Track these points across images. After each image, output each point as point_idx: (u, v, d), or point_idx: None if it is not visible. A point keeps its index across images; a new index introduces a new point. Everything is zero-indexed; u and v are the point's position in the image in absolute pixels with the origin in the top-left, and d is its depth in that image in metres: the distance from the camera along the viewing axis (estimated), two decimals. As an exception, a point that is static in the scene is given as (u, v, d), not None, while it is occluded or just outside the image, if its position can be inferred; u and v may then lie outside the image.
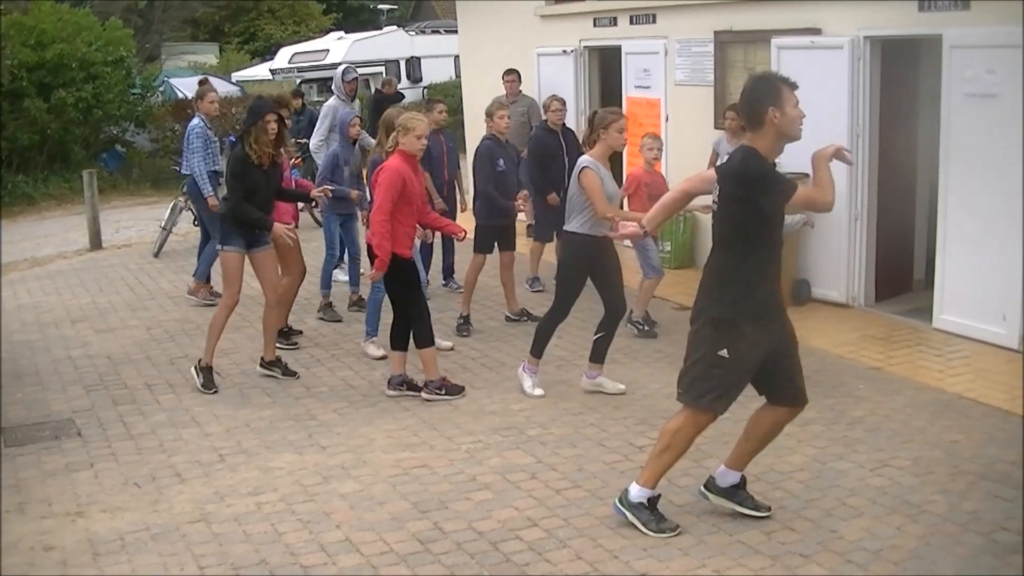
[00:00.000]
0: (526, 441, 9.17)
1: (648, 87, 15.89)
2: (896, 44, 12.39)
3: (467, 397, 10.17)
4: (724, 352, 6.98)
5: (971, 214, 11.08)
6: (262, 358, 11.16)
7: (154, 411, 10.22)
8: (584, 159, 9.86)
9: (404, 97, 23.85)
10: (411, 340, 10.28)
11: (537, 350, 10.40)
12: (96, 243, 19.04)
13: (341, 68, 15.66)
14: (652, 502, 7.39)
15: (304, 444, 9.29)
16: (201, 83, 14.73)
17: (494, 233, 12.67)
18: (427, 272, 13.51)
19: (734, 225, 6.99)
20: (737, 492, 7.58)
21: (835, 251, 12.90)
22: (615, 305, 10.14)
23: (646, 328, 12.11)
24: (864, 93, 12.39)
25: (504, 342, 12.03)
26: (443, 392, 10.21)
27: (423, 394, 10.22)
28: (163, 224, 17.97)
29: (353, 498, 8.17)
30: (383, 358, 11.28)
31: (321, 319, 13.19)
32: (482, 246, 12.66)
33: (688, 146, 14.73)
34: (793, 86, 6.95)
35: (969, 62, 10.96)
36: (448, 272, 14.73)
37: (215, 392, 10.61)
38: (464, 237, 11.01)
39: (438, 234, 11.50)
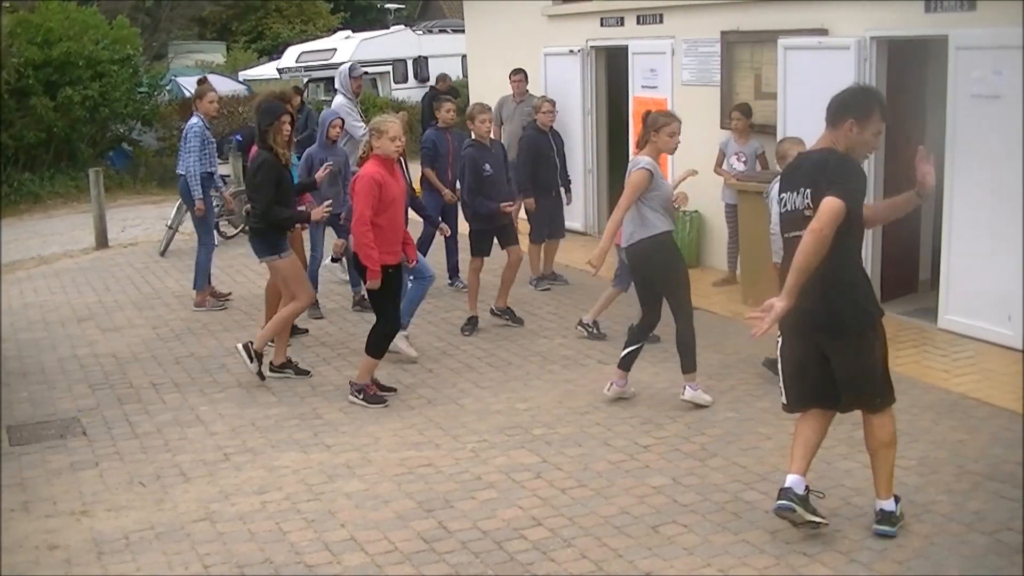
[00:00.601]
0: (531, 440, 9.17)
1: (655, 87, 15.88)
2: (903, 45, 12.38)
3: (472, 396, 10.15)
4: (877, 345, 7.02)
5: (977, 215, 11.07)
6: (271, 362, 11.09)
7: (159, 410, 10.23)
8: (641, 158, 9.67)
9: (459, 94, 23.62)
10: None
11: (693, 364, 9.84)
12: (102, 242, 19.04)
13: (347, 66, 15.54)
14: (899, 504, 7.30)
15: (309, 443, 9.29)
16: (200, 82, 14.49)
17: (488, 235, 12.60)
18: (425, 254, 13.42)
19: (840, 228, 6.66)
20: (809, 500, 7.26)
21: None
22: (655, 315, 9.97)
23: (594, 332, 12.04)
24: (871, 93, 12.37)
25: (511, 341, 12.02)
26: (360, 397, 10.17)
27: (350, 396, 10.26)
28: (169, 223, 17.98)
29: (358, 497, 8.17)
30: (414, 361, 11.44)
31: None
32: (477, 250, 12.60)
33: (694, 146, 14.68)
34: (887, 116, 6.96)
35: (975, 63, 10.95)
36: (453, 271, 14.71)
37: (310, 374, 11.07)
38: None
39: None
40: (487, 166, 12.40)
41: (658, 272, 9.72)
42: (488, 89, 17.93)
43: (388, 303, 10.16)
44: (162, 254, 17.71)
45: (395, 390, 10.40)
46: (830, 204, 6.55)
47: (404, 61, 35.42)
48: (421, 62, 35.61)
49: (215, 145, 14.29)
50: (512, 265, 12.62)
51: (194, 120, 13.83)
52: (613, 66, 17.30)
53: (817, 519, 7.11)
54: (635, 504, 7.89)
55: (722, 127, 14.24)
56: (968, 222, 11.20)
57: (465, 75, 24.51)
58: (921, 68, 12.94)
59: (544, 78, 17.84)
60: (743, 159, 13.52)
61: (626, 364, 9.98)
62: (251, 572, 7.08)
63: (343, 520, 7.79)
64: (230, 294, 14.48)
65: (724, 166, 13.75)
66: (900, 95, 12.51)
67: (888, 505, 7.16)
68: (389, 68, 34.87)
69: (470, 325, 12.56)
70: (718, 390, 9.35)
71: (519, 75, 16.75)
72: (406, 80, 35.18)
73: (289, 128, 10.75)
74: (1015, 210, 10.67)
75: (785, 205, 7.09)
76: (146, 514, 8.01)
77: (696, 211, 14.91)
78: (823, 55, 12.71)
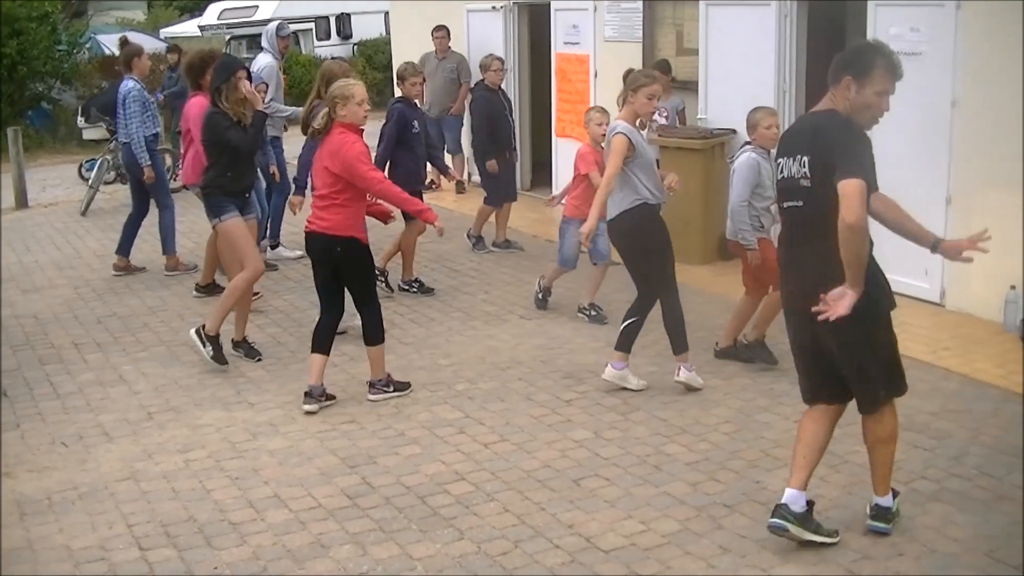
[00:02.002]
0: (454, 396, 9.22)
1: (577, 43, 15.90)
2: (823, 3, 12.48)
3: (395, 353, 10.10)
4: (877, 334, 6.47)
5: (894, 169, 11.14)
6: (232, 339, 10.38)
7: (81, 370, 10.17)
8: (618, 123, 9.07)
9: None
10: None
11: (685, 345, 9.18)
12: (22, 202, 18.84)
13: (274, 24, 14.89)
14: (895, 498, 6.81)
15: (233, 401, 9.29)
16: (124, 42, 13.96)
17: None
18: None
19: (832, 202, 6.08)
20: (811, 518, 6.68)
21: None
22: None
23: (594, 314, 11.15)
24: (791, 51, 12.47)
25: (433, 297, 12.05)
26: (391, 389, 9.23)
27: (369, 396, 9.19)
28: (90, 182, 17.82)
29: (282, 454, 8.19)
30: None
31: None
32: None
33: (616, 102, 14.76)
34: (895, 73, 6.29)
35: (894, 20, 11.06)
36: None
37: (260, 359, 10.25)
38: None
39: None
40: (415, 123, 12.09)
41: (639, 245, 9.11)
42: (412, 46, 17.86)
43: (369, 277, 9.35)
44: (83, 214, 17.53)
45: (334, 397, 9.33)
46: (851, 188, 5.98)
47: (327, 18, 35.14)
48: (344, 19, 35.36)
49: (155, 105, 13.85)
50: (412, 231, 12.13)
51: (130, 84, 13.17)
52: (536, 22, 17.29)
53: (819, 538, 6.56)
54: (557, 458, 7.97)
55: (645, 83, 14.29)
56: (886, 176, 11.28)
57: (388, 32, 24.39)
58: (841, 26, 13.05)
59: (467, 35, 17.81)
60: (664, 114, 13.58)
61: (624, 344, 9.18)
62: (175, 531, 7.07)
63: (267, 477, 7.81)
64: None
65: (646, 121, 13.79)
66: (820, 52, 12.60)
67: (885, 501, 6.73)
68: (312, 25, 34.62)
69: (414, 285, 12.32)
70: (640, 344, 9.40)
71: (441, 32, 16.75)
72: (329, 37, 34.92)
73: (248, 86, 10.01)
74: (932, 165, 10.81)
75: (781, 171, 6.53)
76: (69, 474, 7.97)
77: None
78: (745, 11, 12.81)
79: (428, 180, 12.28)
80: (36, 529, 7.17)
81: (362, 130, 8.95)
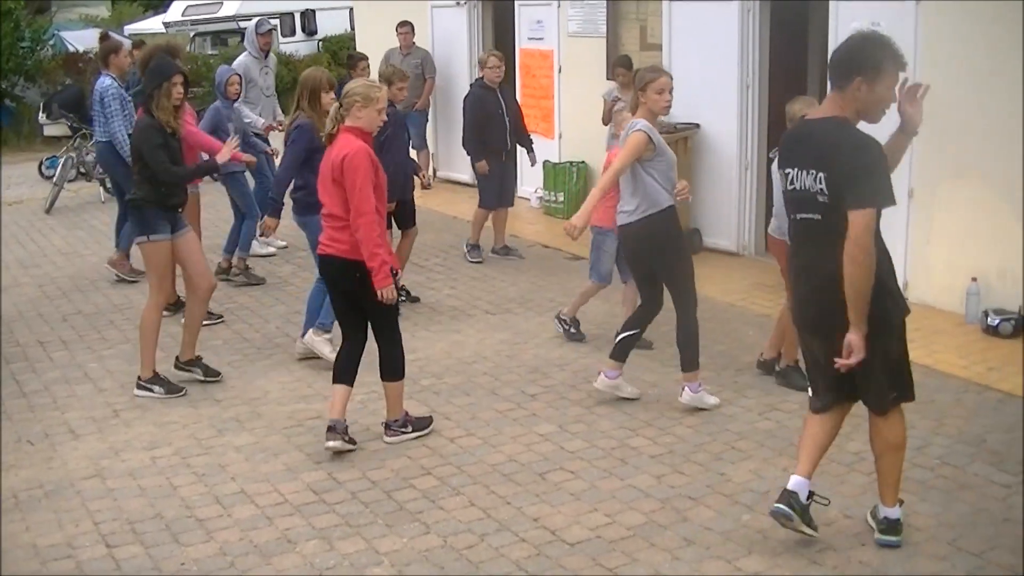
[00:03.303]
0: (419, 391, 9.24)
1: (541, 38, 15.93)
2: (785, -3, 12.56)
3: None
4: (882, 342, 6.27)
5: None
6: (177, 358, 9.78)
7: (47, 368, 10.15)
8: (637, 121, 8.43)
9: None
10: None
11: (695, 364, 8.73)
12: (-7, 200, 18.76)
13: (254, 22, 14.76)
14: (901, 505, 6.63)
15: (198, 398, 9.28)
16: (104, 37, 13.68)
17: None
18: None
19: (842, 213, 6.01)
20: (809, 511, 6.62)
21: (726, 201, 13.05)
22: (658, 301, 8.84)
23: (573, 331, 10.43)
24: (754, 46, 12.54)
25: (401, 294, 12.03)
26: (409, 430, 8.35)
27: (386, 438, 8.31)
28: (55, 180, 17.75)
29: (248, 450, 8.20)
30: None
31: (246, 283, 12.70)
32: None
33: (580, 97, 14.82)
34: (902, 65, 6.09)
35: (855, 13, 11.11)
36: None
37: (184, 394, 9.36)
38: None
39: None
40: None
41: (658, 253, 8.62)
42: (376, 42, 17.85)
43: (396, 314, 8.27)
44: (47, 212, 17.45)
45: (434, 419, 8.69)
46: (861, 220, 5.92)
47: (292, 14, 35.07)
48: (309, 15, 35.30)
49: (132, 104, 12.91)
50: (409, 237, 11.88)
51: (107, 81, 12.58)
52: (500, 17, 17.32)
53: (809, 532, 6.52)
54: (522, 452, 8.02)
55: (607, 78, 14.31)
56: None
57: (353, 28, 24.36)
58: (803, 19, 13.12)
59: (431, 31, 17.81)
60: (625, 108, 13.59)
61: (619, 353, 8.82)
62: (142, 528, 7.09)
63: (233, 473, 7.83)
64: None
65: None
66: (783, 46, 12.68)
67: (893, 513, 6.55)
68: (276, 21, 34.51)
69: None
70: (606, 338, 9.44)
71: (406, 27, 16.74)
72: (294, 33, 34.83)
73: (181, 92, 9.28)
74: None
75: (792, 183, 6.29)
76: (35, 472, 7.97)
77: (583, 162, 15.01)
78: (708, 7, 12.86)
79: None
80: (3, 527, 7.16)
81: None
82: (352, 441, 8.15)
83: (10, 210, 18.10)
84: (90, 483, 7.76)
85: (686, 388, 8.68)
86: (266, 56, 14.38)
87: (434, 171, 17.62)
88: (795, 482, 6.52)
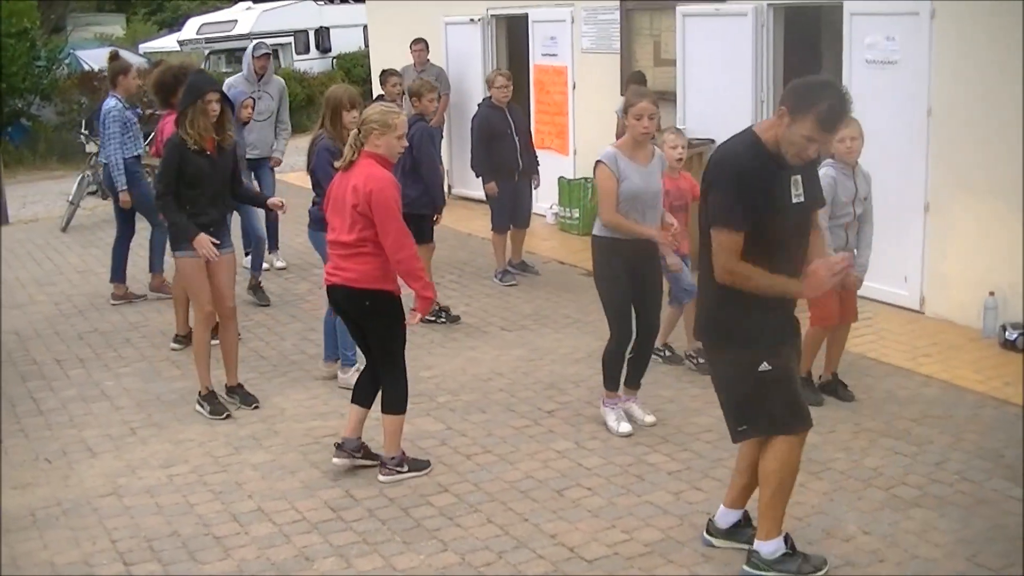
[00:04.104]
0: (436, 408, 9.24)
1: (555, 55, 15.96)
2: (799, 11, 12.56)
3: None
4: (765, 365, 6.06)
5: (872, 178, 11.27)
6: (228, 386, 9.65)
7: (64, 386, 10.16)
8: (604, 151, 8.40)
9: None
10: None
11: (610, 383, 8.72)
12: (2, 218, 18.79)
13: (252, 44, 14.43)
14: (790, 544, 6.39)
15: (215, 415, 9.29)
16: (114, 57, 13.33)
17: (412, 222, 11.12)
18: None
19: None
20: (740, 531, 6.75)
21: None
22: (649, 323, 8.71)
23: (667, 354, 10.13)
24: (768, 60, 12.54)
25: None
26: (405, 469, 8.00)
27: (380, 476, 7.95)
28: (70, 198, 17.78)
29: (264, 468, 8.20)
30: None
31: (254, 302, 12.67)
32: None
33: (595, 113, 14.83)
34: (829, 128, 5.76)
35: (869, 29, 11.13)
36: None
37: (228, 416, 9.22)
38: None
39: None
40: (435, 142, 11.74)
41: (595, 272, 8.68)
42: (389, 59, 17.88)
43: (395, 338, 7.91)
44: (63, 230, 17.47)
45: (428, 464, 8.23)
46: (715, 239, 5.87)
47: (306, 32, 35.24)
48: (323, 32, 35.47)
49: (138, 126, 12.92)
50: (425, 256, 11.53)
51: (112, 103, 12.42)
52: (513, 34, 17.35)
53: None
54: (539, 468, 8.00)
55: (621, 94, 14.30)
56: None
57: (367, 45, 24.43)
58: (817, 35, 13.13)
59: (445, 47, 17.84)
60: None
61: (606, 380, 8.76)
62: (159, 545, 7.08)
63: (250, 491, 7.82)
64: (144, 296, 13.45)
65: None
66: (797, 61, 12.68)
67: (762, 547, 6.35)
68: (291, 39, 34.68)
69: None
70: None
71: (420, 44, 16.75)
72: (308, 51, 35.02)
73: (217, 108, 9.04)
74: (911, 173, 10.87)
75: None
76: (52, 490, 7.97)
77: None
78: (721, 22, 12.86)
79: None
80: (20, 545, 7.17)
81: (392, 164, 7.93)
82: (370, 455, 8.11)
83: (26, 228, 18.16)
84: (107, 501, 7.77)
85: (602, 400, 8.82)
86: (260, 79, 13.81)
87: (448, 188, 17.61)
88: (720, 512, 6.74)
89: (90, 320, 12.29)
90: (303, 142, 11.42)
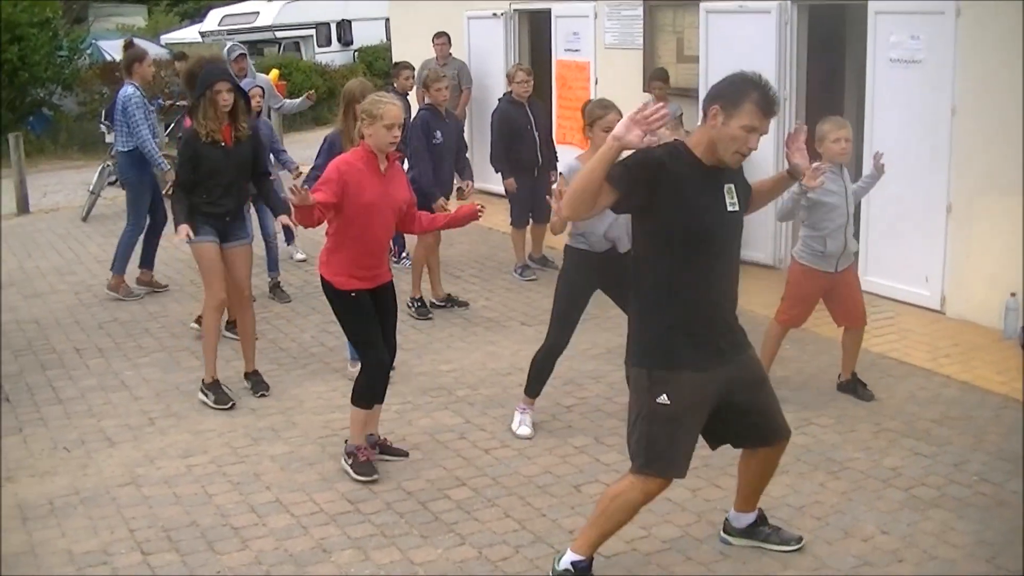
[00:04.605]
0: (455, 402, 9.24)
1: (578, 50, 15.92)
2: (823, 9, 12.51)
3: (396, 359, 10.04)
4: (664, 398, 5.91)
5: (894, 177, 11.21)
6: (245, 372, 9.77)
7: (83, 375, 10.19)
8: (567, 161, 8.39)
9: None
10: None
11: (531, 389, 8.66)
12: (23, 207, 18.86)
13: (226, 47, 14.45)
14: (579, 570, 6.26)
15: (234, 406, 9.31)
16: (129, 45, 13.46)
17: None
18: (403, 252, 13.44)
19: (637, 243, 6.04)
20: (757, 530, 6.76)
21: (761, 213, 12.94)
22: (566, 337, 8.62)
23: None
24: (792, 58, 12.50)
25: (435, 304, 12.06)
26: (349, 463, 7.88)
27: (342, 461, 8.02)
28: (91, 188, 17.82)
29: (283, 459, 8.21)
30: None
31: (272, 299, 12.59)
32: None
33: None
34: (768, 110, 5.69)
35: (894, 27, 11.09)
36: (400, 248, 13.71)
37: (232, 406, 9.26)
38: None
39: None
40: (439, 133, 11.70)
41: (559, 275, 8.59)
42: (411, 53, 17.87)
43: (360, 335, 7.95)
44: (84, 219, 17.54)
45: (406, 454, 8.24)
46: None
47: (328, 24, 35.25)
48: (345, 25, 35.47)
49: (155, 113, 13.05)
50: (431, 247, 11.88)
51: (130, 90, 12.32)
52: (536, 29, 17.33)
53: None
54: (558, 463, 8.00)
55: (644, 90, 14.29)
56: (886, 184, 11.33)
57: (389, 39, 24.44)
58: (841, 33, 13.09)
59: (467, 41, 17.82)
60: (664, 122, 13.55)
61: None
62: (177, 535, 7.09)
63: (268, 482, 7.83)
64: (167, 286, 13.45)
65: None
66: (821, 59, 12.65)
67: (574, 558, 6.26)
68: (312, 32, 34.71)
69: (424, 307, 11.78)
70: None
71: (442, 38, 16.76)
72: (330, 44, 35.02)
73: (228, 98, 9.09)
74: (934, 172, 10.83)
75: None
76: (71, 479, 7.99)
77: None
78: (745, 19, 12.81)
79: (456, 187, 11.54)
80: (38, 533, 7.19)
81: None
82: (389, 451, 8.16)
83: (47, 217, 18.22)
84: (125, 490, 7.78)
85: (517, 409, 8.74)
86: (242, 81, 13.09)
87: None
88: (732, 514, 6.80)
89: (110, 310, 12.32)
90: (321, 134, 11.44)
